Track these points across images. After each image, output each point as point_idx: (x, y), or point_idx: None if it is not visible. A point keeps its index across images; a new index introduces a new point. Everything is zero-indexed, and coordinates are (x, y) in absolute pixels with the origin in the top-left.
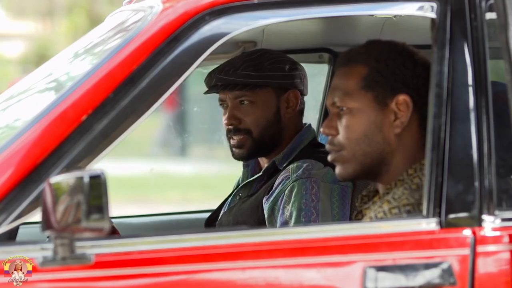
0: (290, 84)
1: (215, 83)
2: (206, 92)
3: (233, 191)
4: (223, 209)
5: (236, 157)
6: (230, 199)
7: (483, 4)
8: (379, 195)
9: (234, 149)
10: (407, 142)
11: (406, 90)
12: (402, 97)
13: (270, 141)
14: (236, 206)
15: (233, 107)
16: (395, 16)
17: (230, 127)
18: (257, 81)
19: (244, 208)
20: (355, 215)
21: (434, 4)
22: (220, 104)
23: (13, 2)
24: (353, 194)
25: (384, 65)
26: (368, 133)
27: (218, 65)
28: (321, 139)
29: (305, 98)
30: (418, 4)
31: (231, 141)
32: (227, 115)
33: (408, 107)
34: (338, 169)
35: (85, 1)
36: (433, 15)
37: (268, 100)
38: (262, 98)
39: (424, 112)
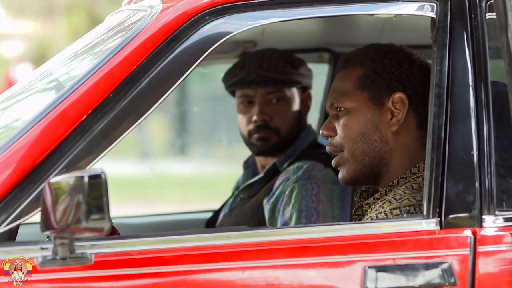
0: (310, 84)
1: (254, 79)
2: (236, 88)
3: (233, 193)
4: (223, 210)
5: (259, 150)
6: (230, 200)
7: (483, 4)
8: (380, 192)
9: (258, 142)
10: (405, 141)
11: (402, 89)
12: (398, 95)
13: (291, 139)
14: (236, 208)
15: (263, 103)
16: (395, 16)
17: (260, 123)
18: (294, 79)
19: (245, 209)
20: (354, 210)
21: (434, 4)
22: (243, 101)
23: (13, 2)
24: (353, 194)
25: (380, 64)
26: (365, 132)
27: (240, 62)
28: (321, 139)
29: None
30: (418, 4)
31: (256, 135)
32: (257, 111)
33: (404, 105)
34: (340, 173)
35: (85, 1)
36: (433, 15)
37: (294, 98)
38: (290, 96)
39: (422, 111)
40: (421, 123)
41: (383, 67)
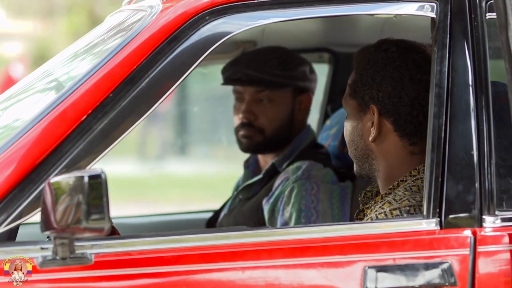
0: (308, 86)
1: (240, 77)
2: (225, 84)
3: (233, 193)
4: (222, 211)
5: (244, 147)
6: (230, 201)
7: (483, 4)
8: (381, 195)
9: (242, 139)
10: (388, 150)
11: (373, 102)
12: (372, 106)
13: (280, 140)
14: (236, 208)
15: (251, 102)
16: (395, 16)
17: (245, 121)
18: (282, 81)
19: (244, 210)
20: (356, 214)
21: (434, 4)
22: (236, 97)
23: (13, 2)
24: (353, 194)
25: (359, 75)
26: (354, 139)
27: (237, 57)
28: (320, 139)
29: None
30: (418, 4)
31: (241, 132)
32: (244, 109)
33: (377, 116)
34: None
35: (85, 1)
36: (433, 15)
37: (286, 100)
38: (281, 97)
39: (396, 122)
40: (400, 133)
41: (361, 78)
